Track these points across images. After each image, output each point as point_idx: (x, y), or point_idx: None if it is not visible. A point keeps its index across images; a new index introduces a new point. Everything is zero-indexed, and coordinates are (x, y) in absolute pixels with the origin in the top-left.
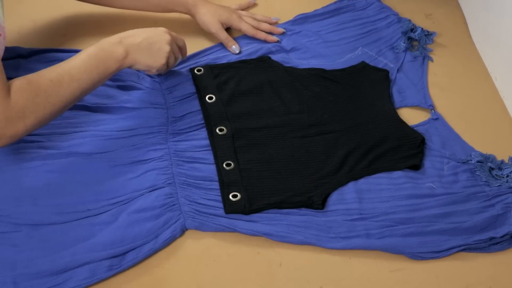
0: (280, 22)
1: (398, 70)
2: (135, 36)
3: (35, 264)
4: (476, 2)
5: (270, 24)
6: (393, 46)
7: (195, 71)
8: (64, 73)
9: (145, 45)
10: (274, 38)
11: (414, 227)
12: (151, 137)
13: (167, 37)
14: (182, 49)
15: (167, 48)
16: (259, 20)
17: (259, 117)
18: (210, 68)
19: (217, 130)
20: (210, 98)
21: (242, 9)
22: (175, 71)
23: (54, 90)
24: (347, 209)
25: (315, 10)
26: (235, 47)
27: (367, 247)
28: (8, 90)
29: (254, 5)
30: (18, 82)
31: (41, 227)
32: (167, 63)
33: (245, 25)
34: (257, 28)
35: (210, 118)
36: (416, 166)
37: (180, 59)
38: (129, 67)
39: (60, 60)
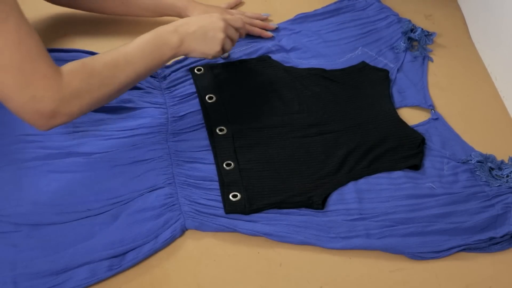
0: (280, 21)
1: (398, 70)
2: (189, 25)
3: (35, 264)
4: (476, 3)
5: (262, 20)
6: (393, 46)
7: (195, 70)
8: (120, 56)
9: (199, 33)
10: (269, 33)
11: (414, 227)
12: (151, 137)
13: (221, 24)
14: (239, 29)
15: (221, 35)
16: (250, 17)
17: (259, 117)
18: (210, 67)
19: (217, 130)
20: (210, 98)
21: (231, 8)
22: (175, 70)
23: (110, 72)
24: (347, 209)
25: (315, 10)
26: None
27: (367, 247)
28: (59, 71)
29: (241, 3)
30: (72, 65)
31: (41, 227)
32: (223, 48)
33: (236, 22)
34: (251, 25)
35: (210, 118)
36: (416, 166)
37: (237, 40)
38: (185, 55)
39: (62, 60)
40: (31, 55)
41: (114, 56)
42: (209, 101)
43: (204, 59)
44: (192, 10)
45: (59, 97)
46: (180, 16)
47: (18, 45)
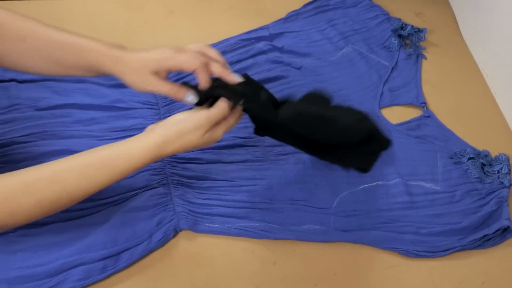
0: (272, 20)
1: (392, 69)
2: (172, 150)
3: (28, 267)
4: (466, 0)
5: (223, 64)
6: (386, 45)
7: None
8: (61, 190)
9: (181, 150)
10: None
11: (409, 225)
12: None
13: (210, 144)
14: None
15: (203, 146)
16: (209, 57)
17: None
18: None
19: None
20: None
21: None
22: None
23: (40, 209)
24: (341, 206)
25: (305, 5)
26: (191, 97)
27: (362, 239)
28: None
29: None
30: None
31: (34, 228)
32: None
33: (187, 63)
34: (206, 67)
35: None
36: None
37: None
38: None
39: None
40: None
41: (57, 189)
42: None
43: None
44: (122, 65)
45: None
46: (113, 74)
47: None
